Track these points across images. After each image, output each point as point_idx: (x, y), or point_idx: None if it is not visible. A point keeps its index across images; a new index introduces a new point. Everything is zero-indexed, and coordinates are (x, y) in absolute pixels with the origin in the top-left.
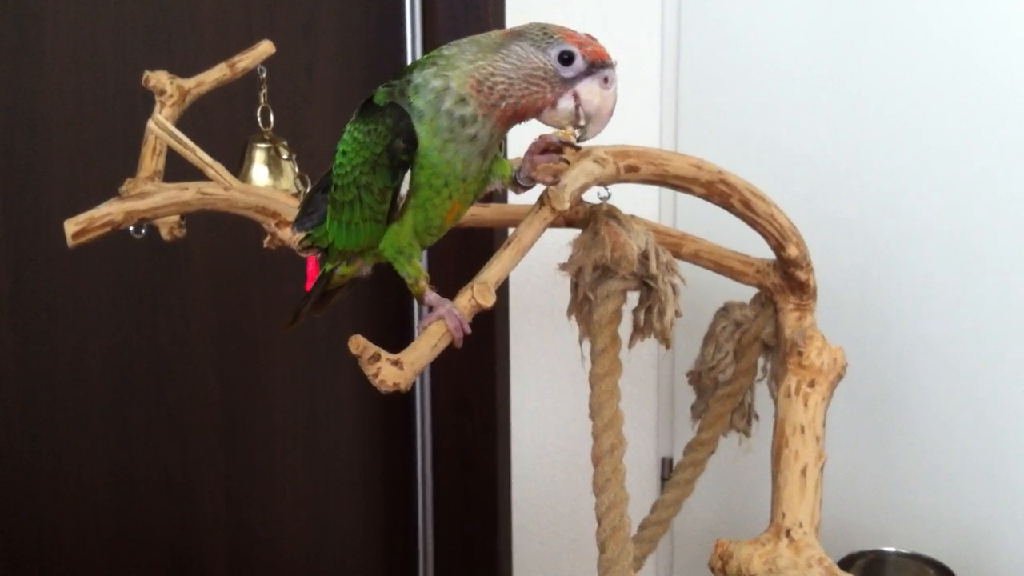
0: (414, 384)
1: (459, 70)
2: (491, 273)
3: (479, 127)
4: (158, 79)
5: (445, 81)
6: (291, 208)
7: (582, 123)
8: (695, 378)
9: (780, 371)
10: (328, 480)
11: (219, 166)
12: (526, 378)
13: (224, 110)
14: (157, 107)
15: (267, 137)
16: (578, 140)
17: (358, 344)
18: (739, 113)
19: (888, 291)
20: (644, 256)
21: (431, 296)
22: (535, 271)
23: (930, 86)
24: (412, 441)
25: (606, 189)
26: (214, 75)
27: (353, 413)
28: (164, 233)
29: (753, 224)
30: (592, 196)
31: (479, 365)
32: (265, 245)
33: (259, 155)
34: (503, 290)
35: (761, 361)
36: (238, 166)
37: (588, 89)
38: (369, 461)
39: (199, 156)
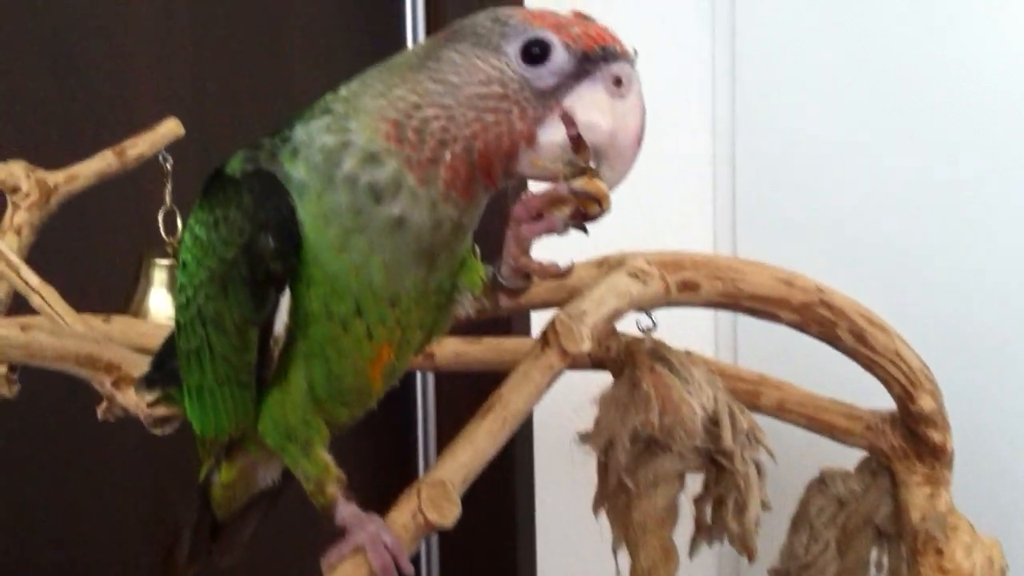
0: (417, 552)
1: (364, 113)
2: (454, 466)
3: (408, 201)
4: (10, 172)
5: (343, 135)
6: (137, 358)
7: (588, 163)
8: None
9: (908, 574)
10: None
11: (50, 291)
12: (555, 543)
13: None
14: (9, 211)
15: (172, 251)
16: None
17: None
18: (810, 202)
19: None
20: (712, 421)
21: (345, 511)
22: (569, 398)
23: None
24: None
25: (649, 316)
26: (94, 166)
27: None
28: None
29: (869, 365)
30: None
31: (497, 527)
32: (100, 416)
33: (159, 275)
34: (524, 429)
35: (874, 554)
36: (131, 289)
37: (587, 101)
38: None
39: (22, 276)
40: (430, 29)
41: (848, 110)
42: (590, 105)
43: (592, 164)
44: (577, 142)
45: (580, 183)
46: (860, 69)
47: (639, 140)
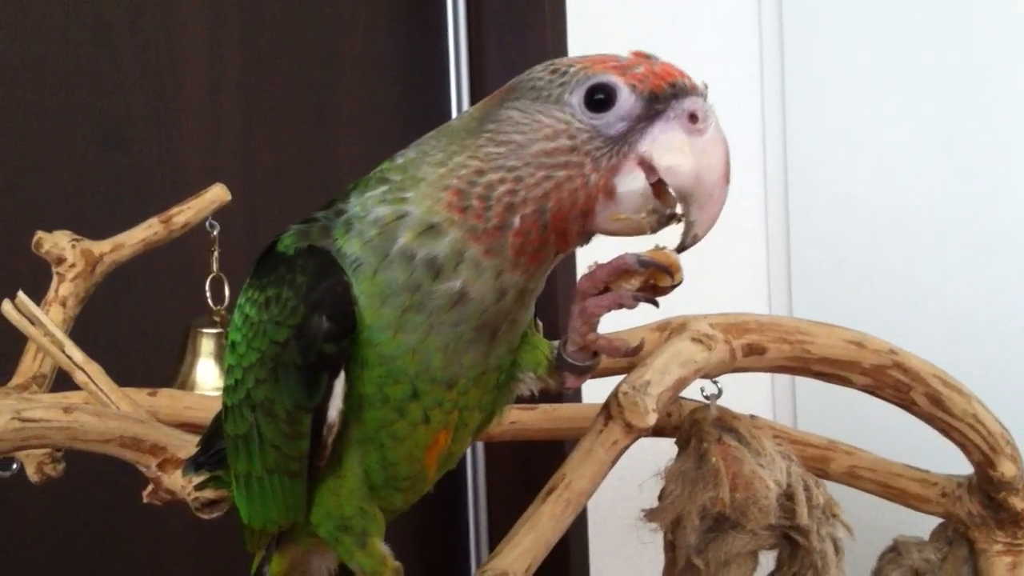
0: None
1: (423, 182)
2: (516, 554)
3: (471, 273)
4: (55, 242)
5: (399, 205)
6: (184, 438)
7: (675, 210)
8: None
9: None
10: None
11: (95, 368)
12: None
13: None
14: (54, 282)
15: (218, 319)
16: (681, 246)
17: None
18: (864, 260)
19: None
20: (787, 496)
21: None
22: (628, 470)
23: None
24: None
25: (715, 383)
26: (139, 235)
27: None
28: (31, 471)
29: (946, 430)
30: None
31: None
32: (145, 499)
33: (206, 345)
34: None
35: None
36: (177, 359)
37: (663, 143)
38: None
39: (67, 353)
40: (475, 94)
41: (903, 166)
42: (667, 147)
43: (679, 210)
44: (659, 188)
45: (650, 254)
46: (914, 124)
47: (727, 176)
